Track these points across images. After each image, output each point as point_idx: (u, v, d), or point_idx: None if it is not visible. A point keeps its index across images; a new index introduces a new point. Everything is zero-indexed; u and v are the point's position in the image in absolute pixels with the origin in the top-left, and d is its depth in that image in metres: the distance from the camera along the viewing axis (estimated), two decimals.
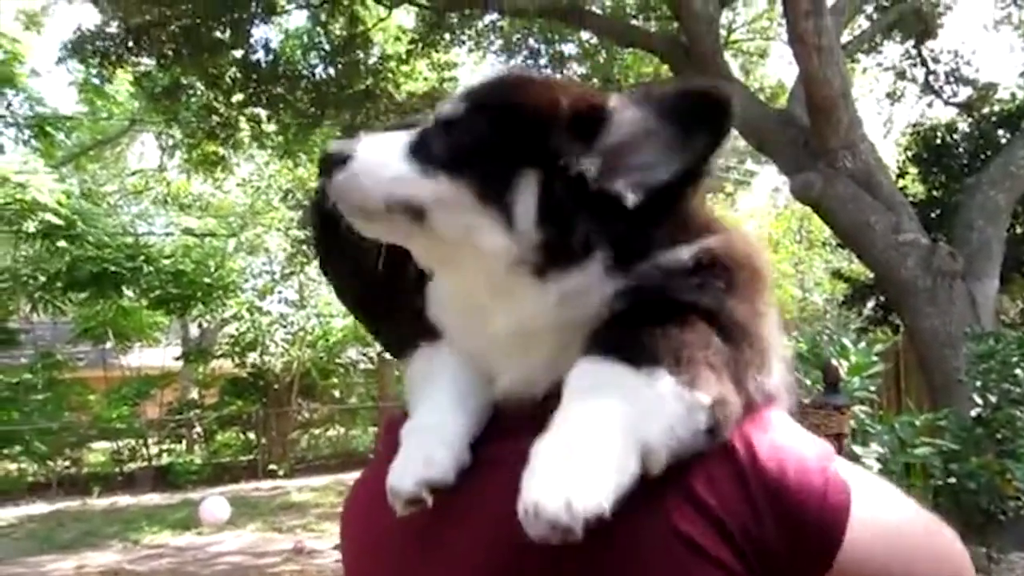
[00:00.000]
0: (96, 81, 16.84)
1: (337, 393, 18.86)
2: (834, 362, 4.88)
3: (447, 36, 13.76)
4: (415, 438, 0.91)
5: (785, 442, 0.87)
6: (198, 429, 16.80)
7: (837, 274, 14.92)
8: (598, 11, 13.11)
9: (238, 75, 12.53)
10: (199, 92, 12.87)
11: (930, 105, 13.88)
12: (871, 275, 9.92)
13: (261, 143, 14.72)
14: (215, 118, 13.03)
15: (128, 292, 15.99)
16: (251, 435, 16.98)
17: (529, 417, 0.81)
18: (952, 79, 13.05)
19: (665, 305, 0.84)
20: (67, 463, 14.97)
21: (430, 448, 0.89)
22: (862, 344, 5.78)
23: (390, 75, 13.34)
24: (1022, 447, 5.60)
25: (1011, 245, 8.98)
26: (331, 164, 0.88)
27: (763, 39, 16.95)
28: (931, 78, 13.14)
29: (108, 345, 17.17)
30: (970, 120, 12.19)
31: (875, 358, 5.46)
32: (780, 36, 15.23)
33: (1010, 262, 8.94)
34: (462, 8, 12.24)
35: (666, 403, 0.77)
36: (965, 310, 7.73)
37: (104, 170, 25.25)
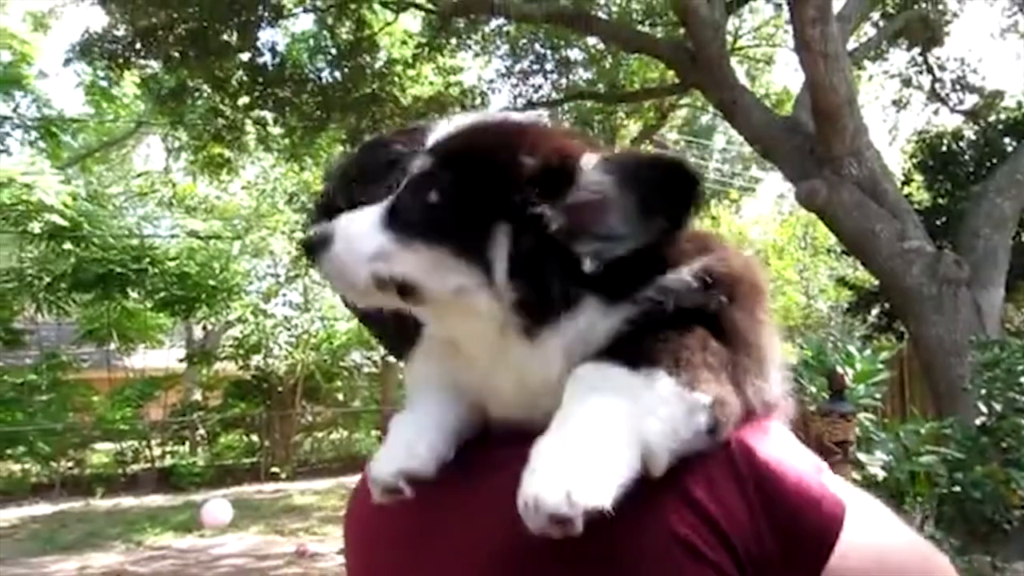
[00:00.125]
0: (103, 83, 16.90)
1: (340, 396, 18.86)
2: (839, 369, 4.87)
3: (453, 41, 13.79)
4: (400, 429, 0.92)
5: (783, 451, 0.87)
6: (201, 431, 16.79)
7: (842, 281, 14.91)
8: (604, 17, 13.13)
9: (244, 78, 12.58)
10: (205, 95, 12.91)
11: (936, 112, 13.89)
12: (876, 282, 9.91)
13: (267, 146, 14.77)
14: (221, 121, 13.07)
15: (133, 294, 16.03)
16: (254, 438, 16.99)
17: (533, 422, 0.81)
18: (958, 87, 13.04)
19: (665, 315, 0.84)
20: (70, 464, 14.98)
21: (412, 439, 0.90)
22: (867, 351, 5.77)
23: (396, 79, 13.37)
24: None
25: (1017, 253, 8.96)
26: (313, 249, 0.89)
27: (769, 46, 16.95)
28: (937, 85, 13.12)
29: (112, 346, 17.20)
30: (976, 128, 12.18)
31: (880, 365, 5.45)
32: (786, 43, 15.24)
33: (1016, 270, 8.92)
34: (468, 13, 12.26)
35: (666, 403, 0.78)
36: (970, 318, 7.71)
37: (110, 172, 25.33)
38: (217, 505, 10.82)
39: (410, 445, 0.89)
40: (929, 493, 5.21)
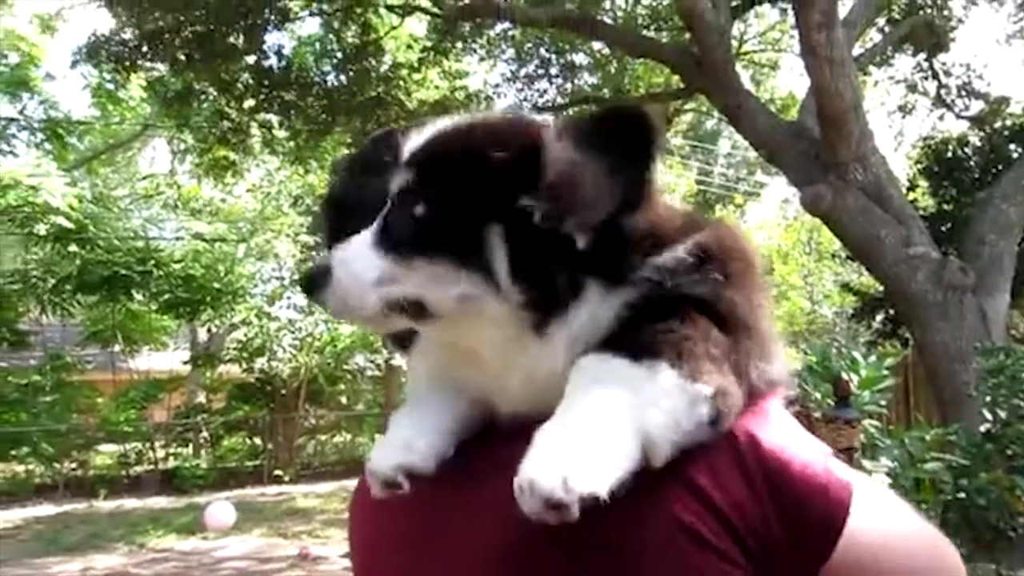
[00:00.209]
0: (110, 86, 16.95)
1: (344, 399, 18.85)
2: (844, 376, 4.85)
3: (459, 45, 13.81)
4: (399, 425, 0.93)
5: (787, 437, 0.88)
6: (205, 433, 16.80)
7: (846, 287, 14.90)
8: (609, 21, 13.14)
9: (250, 81, 12.60)
10: (211, 98, 12.93)
11: (941, 118, 13.85)
12: (881, 288, 9.89)
13: (272, 149, 14.80)
14: (226, 123, 13.09)
15: (138, 296, 16.08)
16: (258, 440, 17.00)
17: (537, 421, 0.81)
18: (964, 92, 13.01)
19: (663, 301, 0.84)
20: (74, 465, 14.99)
21: (411, 435, 0.90)
22: (872, 358, 5.75)
23: (401, 83, 13.39)
24: None
25: (1022, 259, 8.94)
26: (313, 285, 0.88)
27: (774, 51, 16.96)
28: (943, 91, 13.10)
29: (116, 348, 17.23)
30: (981, 134, 12.16)
31: (886, 372, 5.44)
32: (791, 48, 15.24)
33: (1021, 276, 8.90)
34: (474, 17, 12.27)
35: (668, 395, 0.78)
36: (976, 325, 7.69)
37: (115, 174, 25.42)
38: (220, 507, 10.83)
39: (409, 440, 0.90)
40: (934, 500, 5.20)
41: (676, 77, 11.69)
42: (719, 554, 0.80)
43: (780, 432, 0.87)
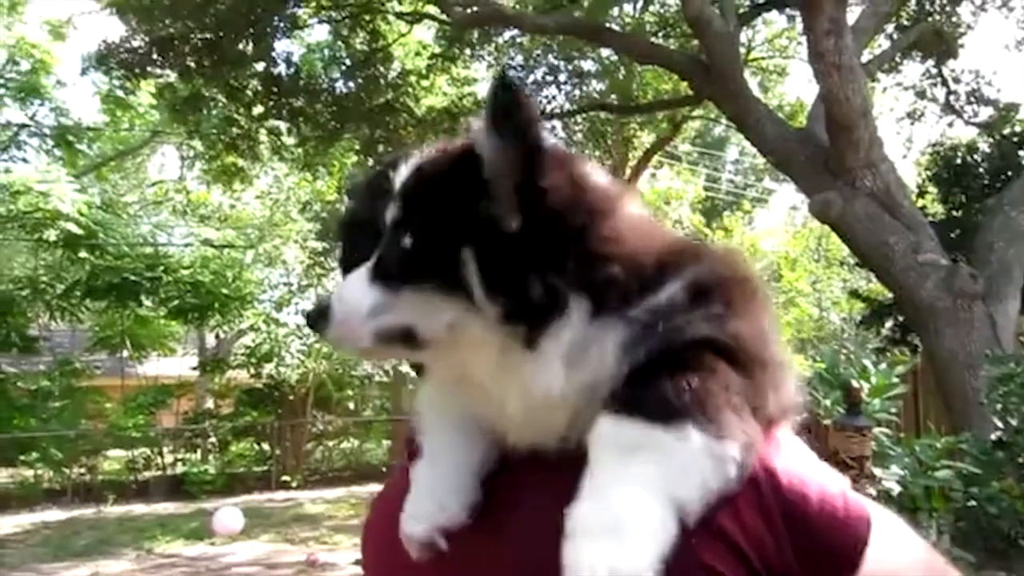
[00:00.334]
0: (120, 92, 17.05)
1: (352, 405, 18.88)
2: (854, 383, 4.83)
3: (467, 52, 13.85)
4: (424, 479, 0.94)
5: (804, 468, 0.88)
6: (213, 439, 16.83)
7: (855, 294, 14.84)
8: (618, 28, 13.15)
9: (259, 88, 12.67)
10: (220, 104, 13.00)
11: (950, 125, 13.83)
12: (889, 295, 9.86)
13: (280, 155, 14.87)
14: (235, 130, 13.16)
15: (146, 301, 16.14)
16: (265, 446, 17.02)
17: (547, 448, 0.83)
18: (973, 99, 12.99)
19: (670, 345, 0.83)
20: (83, 470, 15.02)
21: (439, 491, 0.91)
22: (883, 365, 5.72)
23: (410, 89, 13.45)
24: None
25: None
26: (315, 321, 0.90)
27: (782, 57, 16.96)
28: (952, 98, 13.08)
29: (125, 354, 17.29)
30: (991, 140, 12.12)
31: (896, 380, 5.41)
32: (799, 54, 15.24)
33: None
34: (482, 25, 12.30)
35: (697, 459, 0.78)
36: (985, 332, 7.65)
37: (125, 180, 25.55)
38: (228, 513, 10.84)
39: (439, 498, 0.91)
40: (945, 508, 5.17)
41: (684, 84, 11.70)
42: None
43: (796, 463, 0.88)
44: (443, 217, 0.85)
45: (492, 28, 12.83)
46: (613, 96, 15.16)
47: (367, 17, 12.84)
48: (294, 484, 15.59)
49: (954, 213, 11.23)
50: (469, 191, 0.84)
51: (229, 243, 18.28)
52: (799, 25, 11.36)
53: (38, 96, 18.93)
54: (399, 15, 12.86)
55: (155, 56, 11.91)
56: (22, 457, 14.29)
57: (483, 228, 0.83)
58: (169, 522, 12.10)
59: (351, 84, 13.32)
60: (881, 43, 12.13)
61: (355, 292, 0.89)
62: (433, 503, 0.90)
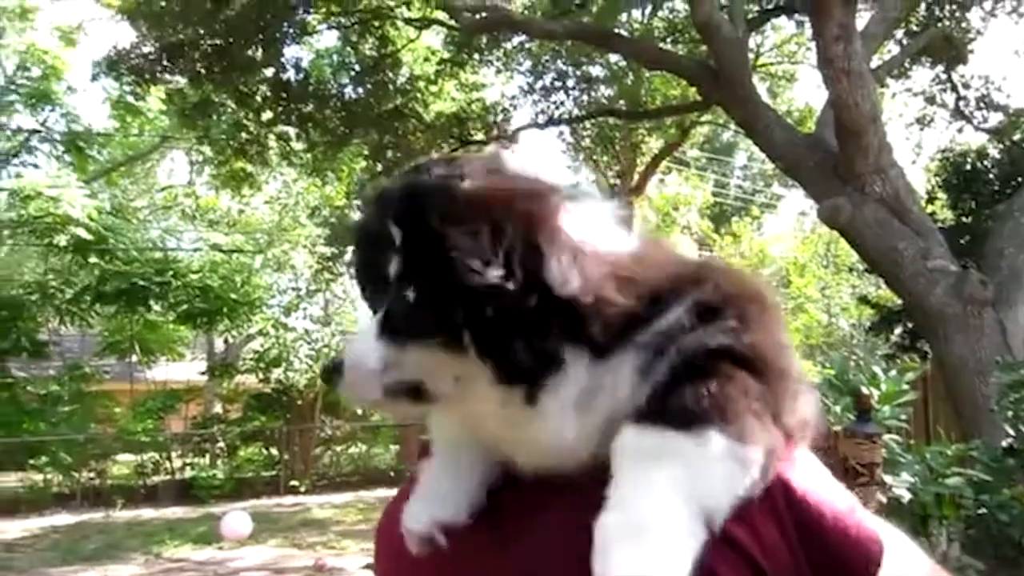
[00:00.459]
0: (130, 98, 17.14)
1: (360, 410, 18.88)
2: (864, 390, 4.81)
3: (476, 57, 13.88)
4: (430, 477, 0.95)
5: (819, 485, 0.88)
6: (221, 444, 16.85)
7: (864, 300, 14.81)
8: (626, 34, 13.16)
9: (268, 93, 12.71)
10: (230, 110, 13.05)
11: (960, 131, 13.76)
12: (899, 301, 9.82)
13: (289, 161, 14.92)
14: (244, 136, 13.20)
15: (155, 306, 16.20)
16: (274, 451, 17.02)
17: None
18: (982, 105, 12.93)
19: (691, 358, 0.82)
20: (91, 475, 15.06)
21: (444, 488, 0.92)
22: (893, 372, 5.70)
23: (419, 95, 13.48)
24: None
25: None
26: (329, 377, 0.90)
27: (791, 63, 16.94)
28: (961, 104, 13.03)
29: (134, 359, 17.34)
30: (1000, 146, 12.08)
31: (906, 386, 5.38)
32: (808, 60, 15.22)
33: None
34: (491, 30, 12.33)
35: (721, 463, 0.78)
36: (995, 338, 7.62)
37: (134, 186, 25.68)
38: (236, 518, 10.85)
39: (442, 494, 0.92)
40: (955, 516, 5.14)
41: (693, 89, 11.69)
42: None
43: (812, 480, 0.88)
44: (440, 273, 0.82)
45: (501, 34, 12.85)
46: (621, 101, 15.17)
47: (376, 23, 12.88)
48: (302, 489, 15.60)
49: (964, 219, 11.20)
50: (458, 251, 0.81)
51: (238, 248, 18.33)
52: (808, 31, 11.36)
53: (49, 102, 19.04)
54: (408, 21, 12.89)
55: (165, 62, 11.97)
56: (31, 461, 14.32)
57: (471, 289, 0.80)
58: (178, 526, 12.12)
59: (360, 90, 13.36)
60: (890, 49, 12.11)
61: (365, 348, 0.88)
62: (435, 500, 0.91)
